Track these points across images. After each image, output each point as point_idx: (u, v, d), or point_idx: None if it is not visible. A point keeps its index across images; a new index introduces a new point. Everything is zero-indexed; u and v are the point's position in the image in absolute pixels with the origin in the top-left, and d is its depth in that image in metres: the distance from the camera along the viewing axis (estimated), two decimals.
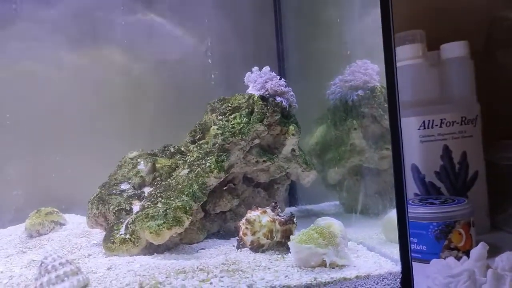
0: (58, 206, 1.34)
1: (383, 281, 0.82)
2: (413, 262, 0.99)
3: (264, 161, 1.15)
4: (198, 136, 1.20)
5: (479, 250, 0.86)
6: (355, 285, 0.81)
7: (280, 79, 1.19)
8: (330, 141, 1.28)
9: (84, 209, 1.37)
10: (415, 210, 1.04)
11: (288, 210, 1.39)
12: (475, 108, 1.24)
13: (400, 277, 0.83)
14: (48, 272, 0.79)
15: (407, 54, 1.26)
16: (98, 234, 1.18)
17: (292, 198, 1.48)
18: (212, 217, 1.13)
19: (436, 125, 1.22)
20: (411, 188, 1.23)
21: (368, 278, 0.81)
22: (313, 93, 1.39)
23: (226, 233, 1.14)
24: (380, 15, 0.87)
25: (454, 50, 1.27)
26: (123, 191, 1.10)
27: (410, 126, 1.23)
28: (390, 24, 0.87)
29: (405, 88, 1.26)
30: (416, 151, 1.22)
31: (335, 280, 0.80)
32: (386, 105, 1.15)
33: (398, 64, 1.27)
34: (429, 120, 1.22)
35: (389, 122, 0.85)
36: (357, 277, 0.81)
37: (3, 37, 1.43)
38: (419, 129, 1.22)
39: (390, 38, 0.86)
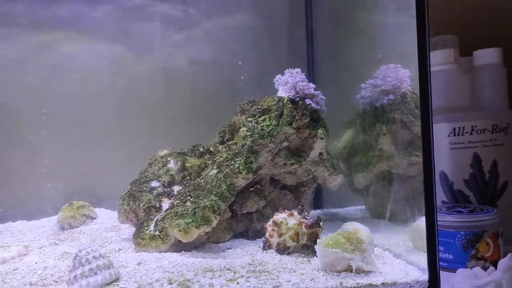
0: (89, 200, 1.38)
1: None
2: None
3: (291, 163, 1.16)
4: (227, 137, 1.22)
5: (507, 261, 0.85)
6: None
7: (309, 82, 1.20)
8: (358, 145, 1.28)
9: (114, 204, 1.42)
10: (443, 218, 1.03)
11: (314, 213, 1.40)
12: (507, 116, 1.23)
13: (427, 286, 0.83)
14: (82, 265, 0.82)
15: (439, 60, 1.25)
16: (128, 229, 1.22)
17: (317, 201, 1.48)
18: (238, 217, 1.15)
19: (467, 133, 1.21)
20: (439, 195, 1.21)
21: (394, 286, 0.82)
22: (342, 97, 1.39)
23: (253, 233, 1.15)
24: (416, 19, 0.86)
25: (487, 56, 1.26)
26: (153, 188, 1.13)
27: (440, 132, 1.22)
28: (425, 29, 0.86)
29: (436, 93, 1.24)
30: (445, 158, 1.21)
31: (360, 286, 0.81)
32: (417, 111, 1.16)
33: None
34: (459, 127, 1.21)
35: (421, 129, 0.85)
36: (383, 284, 0.81)
37: (41, 34, 1.48)
38: (449, 135, 1.21)
39: (425, 43, 0.85)
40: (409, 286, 0.82)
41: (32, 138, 1.46)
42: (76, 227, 1.28)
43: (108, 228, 1.24)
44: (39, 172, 1.45)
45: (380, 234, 1.10)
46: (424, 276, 0.84)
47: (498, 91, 1.27)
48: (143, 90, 1.51)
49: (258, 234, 1.15)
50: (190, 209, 1.00)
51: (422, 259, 0.86)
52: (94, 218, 1.34)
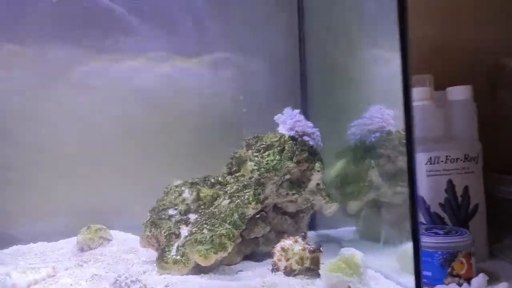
0: (103, 223, 1.49)
1: None
2: None
3: (293, 193, 1.31)
4: (234, 169, 1.37)
5: (479, 280, 0.99)
6: None
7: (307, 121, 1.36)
8: (349, 175, 1.44)
9: (126, 227, 1.55)
10: (422, 240, 1.08)
11: (309, 234, 1.55)
12: (477, 147, 1.34)
13: None
14: None
15: (417, 96, 1.36)
16: (143, 251, 1.33)
17: (311, 223, 1.63)
18: (246, 241, 1.29)
19: (442, 161, 1.32)
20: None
21: None
22: (333, 130, 1.54)
23: (260, 256, 1.30)
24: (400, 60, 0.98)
25: (459, 93, 1.38)
26: (171, 216, 1.27)
27: (418, 161, 1.26)
28: (407, 69, 0.97)
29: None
30: (423, 184, 1.31)
31: None
32: (401, 147, 1.33)
33: None
34: (435, 157, 1.32)
35: (407, 162, 0.98)
36: None
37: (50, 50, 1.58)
38: (426, 164, 1.32)
39: (408, 82, 0.97)
40: None
41: (53, 165, 1.55)
42: (94, 248, 1.39)
43: (125, 250, 1.36)
44: (56, 196, 1.55)
45: (371, 255, 1.24)
46: None
47: (469, 124, 1.38)
48: (151, 121, 1.63)
49: (264, 257, 1.29)
50: (208, 236, 1.14)
51: (410, 279, 1.01)
52: (110, 240, 1.45)
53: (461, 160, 1.33)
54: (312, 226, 1.64)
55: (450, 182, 1.32)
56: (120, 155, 1.62)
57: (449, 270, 1.10)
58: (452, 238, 1.14)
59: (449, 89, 1.40)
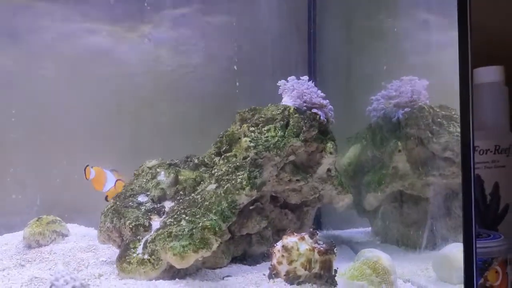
0: (60, 215, 1.23)
1: None
2: None
3: (297, 180, 1.05)
4: (224, 148, 1.09)
5: None
6: None
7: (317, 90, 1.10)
8: (365, 162, 1.19)
9: (88, 220, 1.30)
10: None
11: None
12: (508, 137, 1.18)
13: None
14: None
15: None
16: (107, 249, 1.08)
17: (314, 221, 1.37)
18: (236, 239, 1.03)
19: None
20: None
21: None
22: (346, 108, 1.30)
23: (253, 258, 1.04)
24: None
25: (488, 75, 1.20)
26: (141, 204, 0.99)
27: None
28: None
29: None
30: None
31: None
32: (434, 126, 1.08)
33: None
34: None
35: (461, 147, 0.76)
36: None
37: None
38: None
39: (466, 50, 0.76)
40: None
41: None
42: (45, 245, 1.14)
43: (83, 248, 1.10)
44: (3, 181, 1.28)
45: (395, 261, 0.99)
46: None
47: (500, 111, 1.20)
48: (125, 94, 1.38)
49: (258, 259, 1.03)
50: (186, 229, 0.86)
51: None
52: (66, 236, 1.20)
53: (491, 151, 1.16)
54: (315, 225, 1.37)
55: (478, 178, 1.14)
56: (87, 135, 1.36)
57: (481, 280, 0.93)
58: (485, 243, 0.96)
59: (477, 70, 1.22)
